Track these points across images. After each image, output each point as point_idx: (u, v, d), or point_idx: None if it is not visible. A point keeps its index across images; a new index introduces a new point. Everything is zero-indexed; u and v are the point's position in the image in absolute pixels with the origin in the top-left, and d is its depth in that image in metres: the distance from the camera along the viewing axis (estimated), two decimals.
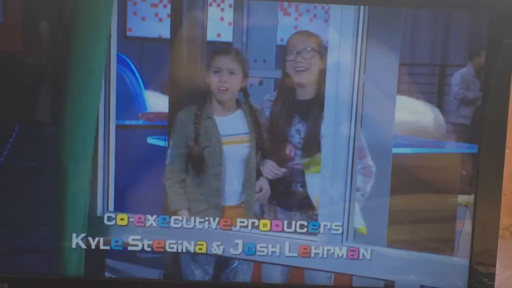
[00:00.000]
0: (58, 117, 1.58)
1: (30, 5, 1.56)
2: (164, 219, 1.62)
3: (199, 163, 1.64)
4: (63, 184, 1.59)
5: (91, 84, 1.58)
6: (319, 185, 1.64)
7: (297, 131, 1.66)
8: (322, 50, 1.62)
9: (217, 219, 1.63)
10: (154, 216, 1.62)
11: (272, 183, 1.66)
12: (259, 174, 1.66)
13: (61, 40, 1.57)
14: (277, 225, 1.64)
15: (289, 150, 1.66)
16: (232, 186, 1.67)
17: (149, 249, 1.62)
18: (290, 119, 1.66)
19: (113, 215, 1.61)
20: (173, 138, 1.64)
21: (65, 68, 1.57)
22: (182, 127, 1.64)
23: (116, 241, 1.62)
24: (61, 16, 1.56)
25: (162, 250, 1.62)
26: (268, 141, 1.67)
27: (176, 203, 1.64)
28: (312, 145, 1.64)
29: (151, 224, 1.62)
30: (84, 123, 1.59)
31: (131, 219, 1.62)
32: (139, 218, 1.62)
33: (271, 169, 1.64)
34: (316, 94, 1.64)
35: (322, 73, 1.62)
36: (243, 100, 1.66)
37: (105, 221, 1.61)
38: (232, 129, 1.67)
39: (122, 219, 1.61)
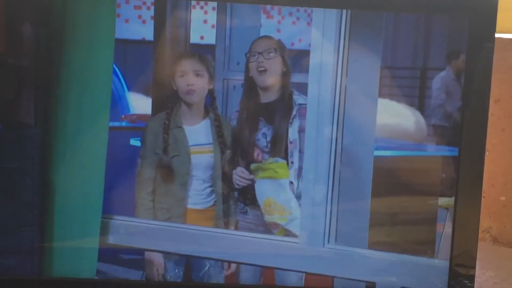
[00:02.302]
0: (44, 119, 1.58)
1: (16, 7, 1.56)
2: None
3: (167, 172, 1.65)
4: (47, 186, 1.59)
5: (83, 87, 1.58)
6: (302, 186, 1.65)
7: (264, 134, 1.67)
8: (284, 53, 1.63)
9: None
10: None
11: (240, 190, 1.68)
12: (225, 182, 1.67)
13: (52, 44, 1.57)
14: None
15: (256, 154, 1.66)
16: (199, 192, 1.67)
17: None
18: (255, 123, 1.67)
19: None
20: (143, 146, 1.65)
21: (56, 71, 1.57)
22: (152, 136, 1.65)
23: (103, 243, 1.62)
24: (50, 18, 1.56)
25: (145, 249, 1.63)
26: (234, 149, 1.67)
27: (142, 215, 1.64)
28: (278, 148, 1.65)
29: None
30: (73, 125, 1.59)
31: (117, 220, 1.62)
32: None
33: (240, 174, 1.65)
34: (280, 95, 1.65)
35: (285, 74, 1.63)
36: (210, 104, 1.66)
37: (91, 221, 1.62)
38: (199, 139, 1.68)
39: (107, 219, 1.62)
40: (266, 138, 1.66)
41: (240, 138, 1.67)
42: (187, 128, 1.67)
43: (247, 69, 1.66)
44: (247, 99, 1.67)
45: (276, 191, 1.66)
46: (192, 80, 1.64)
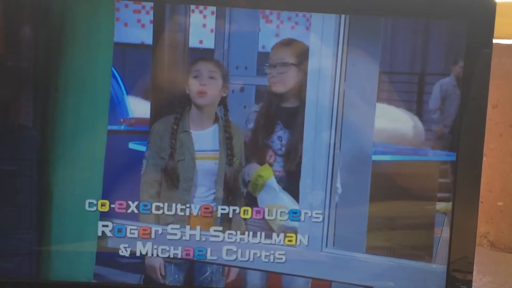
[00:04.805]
0: (42, 121, 1.59)
1: (15, 10, 1.57)
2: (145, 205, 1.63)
3: (172, 176, 1.65)
4: (45, 188, 1.60)
5: (82, 90, 1.58)
6: (300, 192, 1.65)
7: (279, 137, 1.67)
8: (301, 60, 1.62)
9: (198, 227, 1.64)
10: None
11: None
12: (228, 189, 1.67)
13: (51, 47, 1.57)
14: (258, 212, 1.65)
15: (269, 156, 1.66)
16: (203, 199, 1.67)
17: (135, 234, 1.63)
18: (273, 125, 1.67)
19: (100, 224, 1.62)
20: (149, 148, 1.65)
21: (54, 74, 1.57)
22: (158, 138, 1.64)
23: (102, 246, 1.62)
24: (49, 21, 1.57)
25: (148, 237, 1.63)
26: (247, 149, 1.67)
27: (145, 218, 1.64)
28: (293, 152, 1.65)
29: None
30: (71, 128, 1.59)
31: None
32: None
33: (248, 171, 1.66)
34: (299, 102, 1.65)
35: (302, 82, 1.63)
36: (223, 114, 1.66)
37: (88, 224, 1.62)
38: (205, 145, 1.67)
39: (106, 226, 1.62)
40: (281, 141, 1.66)
41: (255, 138, 1.67)
42: (194, 133, 1.67)
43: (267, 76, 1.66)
44: (268, 101, 1.67)
45: (268, 194, 1.66)
46: (205, 80, 1.63)
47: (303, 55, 1.62)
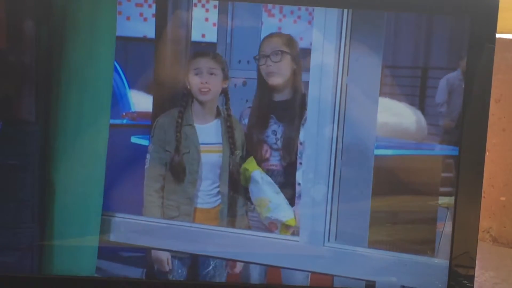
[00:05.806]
0: (44, 116, 1.58)
1: (17, 4, 1.57)
2: None
3: (178, 169, 1.65)
4: (48, 183, 1.60)
5: (84, 84, 1.58)
6: (302, 185, 1.65)
7: (273, 132, 1.67)
8: (293, 51, 1.63)
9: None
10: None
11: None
12: (232, 182, 1.67)
13: (53, 41, 1.57)
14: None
15: (265, 151, 1.67)
16: (207, 192, 1.67)
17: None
18: (266, 120, 1.67)
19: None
20: (153, 142, 1.65)
21: (56, 68, 1.57)
22: (162, 132, 1.65)
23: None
24: (51, 15, 1.57)
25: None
26: (244, 148, 1.68)
27: (151, 213, 1.64)
28: (289, 146, 1.65)
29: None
30: (73, 123, 1.59)
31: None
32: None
33: None
34: (292, 95, 1.65)
35: (296, 73, 1.63)
36: (224, 104, 1.66)
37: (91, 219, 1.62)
38: (209, 138, 1.68)
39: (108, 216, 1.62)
40: (275, 135, 1.66)
41: (250, 134, 1.67)
42: (198, 126, 1.67)
43: (259, 70, 1.66)
44: (260, 96, 1.67)
45: (255, 186, 1.66)
46: (206, 78, 1.63)
47: (294, 46, 1.63)
